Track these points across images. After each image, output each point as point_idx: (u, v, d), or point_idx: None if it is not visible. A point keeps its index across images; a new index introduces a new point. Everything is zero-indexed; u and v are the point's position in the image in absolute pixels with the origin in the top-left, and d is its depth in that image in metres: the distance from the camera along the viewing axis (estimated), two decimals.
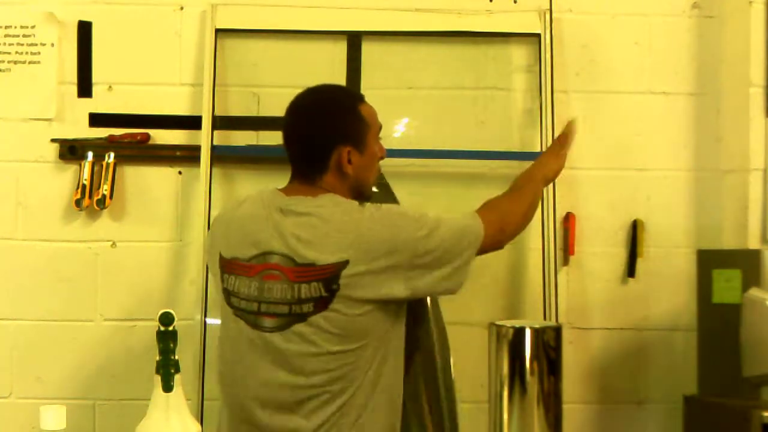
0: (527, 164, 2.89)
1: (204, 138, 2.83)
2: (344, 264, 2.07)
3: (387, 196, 2.51)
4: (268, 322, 2.10)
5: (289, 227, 2.11)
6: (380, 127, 2.28)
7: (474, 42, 2.94)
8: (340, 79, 2.90)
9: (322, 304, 2.07)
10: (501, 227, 2.28)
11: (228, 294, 2.17)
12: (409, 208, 2.23)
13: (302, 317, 2.08)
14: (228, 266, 2.18)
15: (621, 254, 2.98)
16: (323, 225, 2.11)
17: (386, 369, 2.17)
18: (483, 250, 2.24)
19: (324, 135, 2.18)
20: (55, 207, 2.89)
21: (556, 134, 2.87)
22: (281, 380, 2.10)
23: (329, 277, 2.07)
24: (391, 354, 2.18)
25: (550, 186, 2.84)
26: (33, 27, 2.89)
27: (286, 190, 2.20)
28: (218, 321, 2.70)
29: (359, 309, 2.09)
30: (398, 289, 2.12)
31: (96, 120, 2.91)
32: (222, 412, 2.24)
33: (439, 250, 2.14)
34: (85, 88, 2.92)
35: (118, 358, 2.89)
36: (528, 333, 2.19)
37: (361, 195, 2.22)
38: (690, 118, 3.00)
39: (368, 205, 2.18)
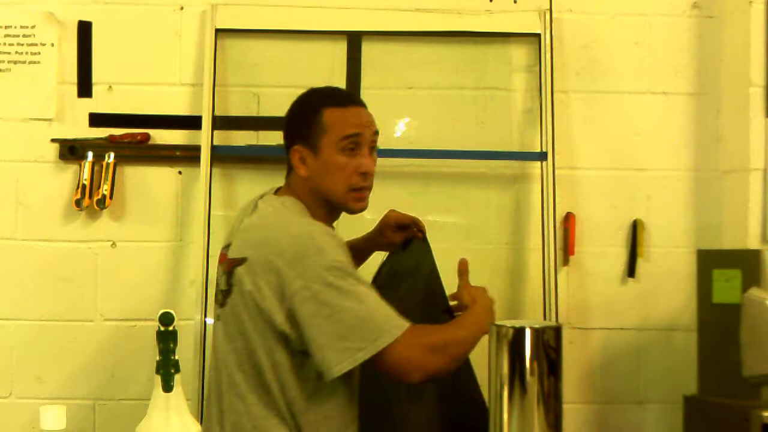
0: (527, 164, 2.91)
1: (204, 138, 2.83)
2: (241, 261, 2.03)
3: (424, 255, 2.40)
4: (217, 310, 2.14)
5: (245, 220, 2.14)
6: (349, 136, 2.10)
7: (474, 42, 2.95)
8: (340, 79, 2.90)
9: (224, 296, 2.07)
10: (423, 360, 1.98)
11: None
12: (334, 250, 2.00)
13: (222, 306, 2.10)
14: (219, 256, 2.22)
15: (621, 254, 2.98)
16: (252, 221, 2.11)
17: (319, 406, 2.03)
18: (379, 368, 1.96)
19: (285, 133, 2.17)
20: (55, 207, 2.90)
21: (557, 134, 2.88)
22: (219, 369, 2.10)
23: (230, 272, 2.05)
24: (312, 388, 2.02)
25: (550, 186, 2.85)
26: (33, 27, 2.89)
27: (278, 189, 2.22)
28: None
29: (248, 313, 2.00)
30: (279, 316, 1.98)
31: (96, 120, 2.91)
32: None
33: (327, 301, 1.93)
34: (85, 88, 2.92)
35: (118, 358, 2.89)
36: (528, 333, 2.18)
37: (330, 205, 2.13)
38: (690, 118, 3.00)
39: (302, 218, 2.06)
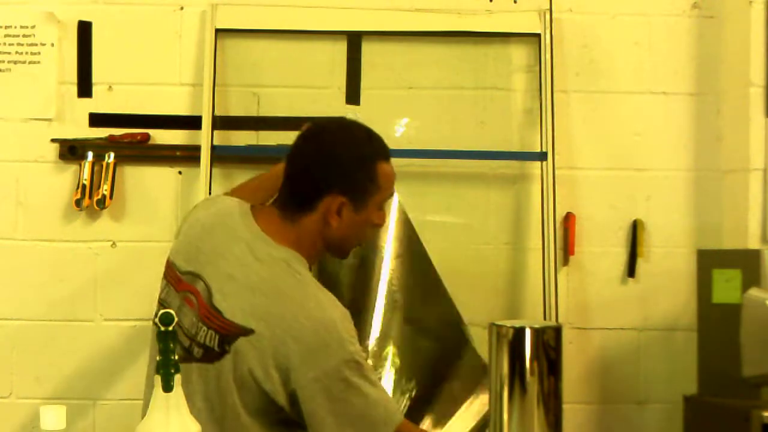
0: (527, 164, 2.91)
1: (204, 138, 2.83)
2: (246, 332, 1.84)
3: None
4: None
5: (231, 263, 1.91)
6: (391, 195, 2.06)
7: (474, 42, 2.94)
8: (340, 79, 2.90)
9: (208, 357, 1.87)
10: None
11: (159, 299, 2.00)
12: (352, 341, 1.89)
13: (191, 358, 1.88)
14: (167, 268, 2.02)
15: (621, 254, 2.98)
16: (258, 281, 1.88)
17: None
18: None
19: (325, 174, 1.93)
20: (55, 207, 2.89)
21: (557, 134, 2.88)
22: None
23: (226, 335, 1.85)
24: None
25: (550, 186, 2.85)
26: (33, 27, 2.89)
27: (260, 216, 1.98)
28: None
29: (241, 388, 1.86)
30: (281, 397, 1.87)
31: (96, 120, 2.91)
32: None
33: (340, 401, 1.85)
34: (85, 88, 2.91)
35: (118, 358, 2.89)
36: (528, 333, 2.18)
37: (334, 252, 2.03)
38: (690, 118, 3.00)
39: (318, 293, 1.91)
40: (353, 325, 1.92)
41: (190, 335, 1.89)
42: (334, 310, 1.89)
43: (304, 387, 1.83)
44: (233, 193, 2.24)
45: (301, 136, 2.03)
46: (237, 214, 1.99)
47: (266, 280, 1.88)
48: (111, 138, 2.89)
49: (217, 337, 1.86)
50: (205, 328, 1.88)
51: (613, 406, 2.99)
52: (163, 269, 2.67)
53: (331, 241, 1.97)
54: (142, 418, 1.66)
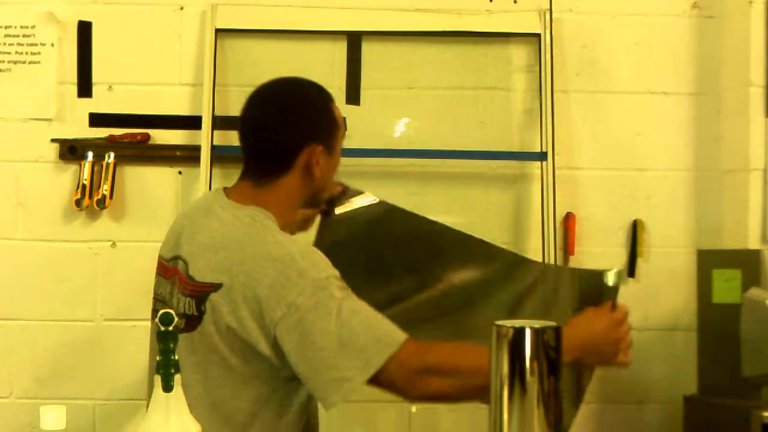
0: (527, 164, 2.91)
1: (204, 138, 2.83)
2: (215, 287, 1.84)
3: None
4: None
5: (202, 233, 1.92)
6: (344, 132, 2.08)
7: (474, 42, 2.95)
8: (340, 79, 2.90)
9: (191, 324, 1.86)
10: (419, 380, 1.81)
11: (154, 295, 2.04)
12: (320, 264, 1.86)
13: (180, 331, 1.82)
14: (158, 265, 2.05)
15: (621, 254, 2.98)
16: (222, 238, 1.88)
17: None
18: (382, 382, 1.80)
19: (296, 131, 1.95)
20: (55, 207, 2.89)
21: (557, 134, 2.88)
22: None
23: (200, 296, 1.85)
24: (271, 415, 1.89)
25: (550, 186, 2.85)
26: (33, 27, 2.89)
27: (230, 192, 2.00)
28: None
29: (224, 342, 1.84)
30: (262, 344, 1.83)
31: (96, 120, 2.91)
32: None
33: (311, 326, 1.78)
34: (85, 88, 2.92)
35: (118, 358, 2.89)
36: (528, 333, 2.18)
37: (315, 200, 2.04)
38: (690, 118, 3.00)
39: (282, 237, 1.89)
40: (324, 259, 1.86)
41: (179, 314, 1.87)
42: (292, 246, 1.85)
43: (277, 325, 1.79)
44: None
45: (250, 106, 2.03)
46: (210, 195, 2.06)
47: (228, 236, 1.88)
48: (111, 138, 2.89)
49: (193, 301, 1.87)
50: (184, 298, 1.89)
51: (613, 406, 2.98)
52: None
53: (316, 190, 1.99)
54: None
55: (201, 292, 1.86)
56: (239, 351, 1.84)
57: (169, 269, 1.97)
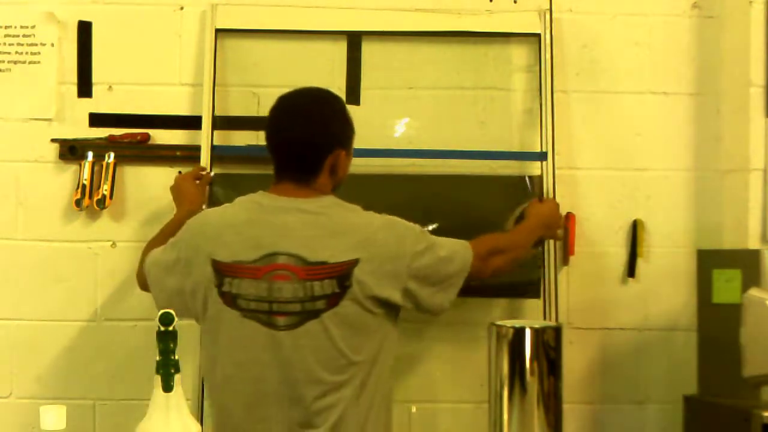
0: (527, 164, 2.91)
1: (204, 138, 2.83)
2: (355, 262, 2.15)
3: None
4: (281, 320, 2.15)
5: (298, 227, 2.17)
6: None
7: (474, 42, 2.94)
8: (340, 79, 2.90)
9: (333, 300, 2.14)
10: (487, 263, 2.40)
11: (232, 297, 2.18)
12: (409, 222, 2.31)
13: (315, 314, 2.15)
14: (229, 269, 2.19)
15: (621, 254, 2.98)
16: (333, 225, 2.19)
17: (386, 372, 2.26)
18: (466, 280, 2.34)
19: (325, 138, 2.25)
20: (55, 207, 2.89)
21: (557, 134, 2.88)
22: (295, 377, 2.14)
23: (341, 275, 2.15)
24: (389, 357, 2.27)
25: (550, 186, 2.85)
26: (33, 27, 2.89)
27: (280, 191, 2.25)
28: None
29: (366, 306, 2.18)
30: (396, 295, 2.22)
31: (96, 120, 2.91)
32: (222, 412, 2.24)
33: (431, 268, 2.25)
34: (85, 88, 2.92)
35: (118, 358, 2.89)
36: (528, 333, 2.18)
37: (334, 192, 2.32)
38: (690, 118, 3.00)
39: (367, 211, 2.27)
40: None
41: (298, 299, 2.14)
42: (381, 215, 2.28)
43: (409, 277, 2.22)
44: (151, 244, 2.49)
45: (280, 118, 2.31)
46: (261, 198, 2.27)
47: (337, 222, 2.21)
48: (111, 138, 2.89)
49: (333, 280, 2.15)
50: (318, 282, 2.15)
51: (613, 406, 2.98)
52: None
53: (336, 186, 2.30)
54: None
55: (342, 270, 2.15)
56: (378, 310, 2.20)
57: (261, 269, 2.16)
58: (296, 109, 2.30)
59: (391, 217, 2.28)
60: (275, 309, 2.15)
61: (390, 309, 2.25)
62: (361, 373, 2.19)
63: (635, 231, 2.97)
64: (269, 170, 2.78)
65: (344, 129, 2.31)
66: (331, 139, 2.26)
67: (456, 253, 2.32)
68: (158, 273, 2.34)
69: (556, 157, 2.87)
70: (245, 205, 2.28)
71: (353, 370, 2.18)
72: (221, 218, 2.28)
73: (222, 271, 2.20)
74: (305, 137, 2.25)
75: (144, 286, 2.45)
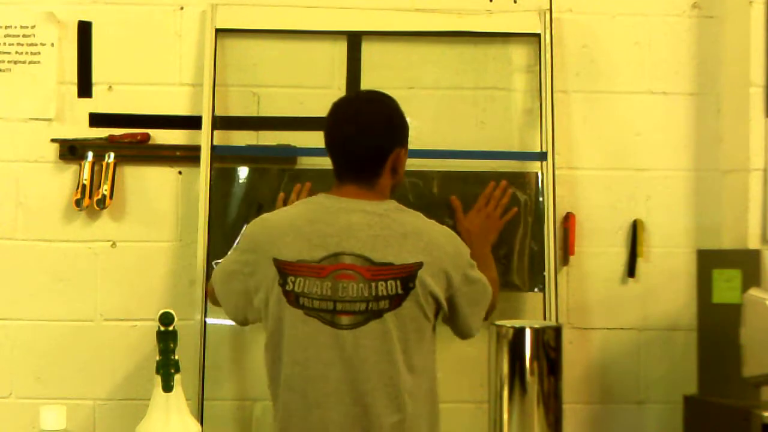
0: (527, 164, 2.91)
1: (204, 138, 2.83)
2: (420, 265, 2.21)
3: None
4: (345, 319, 2.18)
5: (364, 228, 2.22)
6: None
7: (474, 42, 2.94)
8: (340, 79, 2.90)
9: (397, 301, 2.20)
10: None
11: (295, 296, 2.21)
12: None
13: (378, 314, 2.19)
14: (292, 269, 2.22)
15: (621, 254, 2.98)
16: (398, 227, 2.24)
17: (435, 380, 2.36)
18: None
19: (386, 140, 2.30)
20: (55, 207, 2.89)
21: (557, 134, 2.88)
22: (357, 377, 2.18)
23: (407, 276, 2.20)
24: (435, 367, 2.37)
25: (550, 186, 2.85)
26: (33, 27, 2.89)
27: (343, 193, 2.29)
28: (218, 321, 2.72)
29: (425, 310, 2.24)
30: (442, 297, 2.29)
31: (96, 120, 2.91)
32: (283, 412, 2.25)
33: (473, 287, 2.35)
34: (85, 88, 2.92)
35: (118, 358, 2.89)
36: (528, 333, 2.18)
37: (393, 192, 2.38)
38: (690, 118, 3.00)
39: (427, 218, 2.35)
40: None
41: (363, 298, 2.19)
42: (440, 225, 2.37)
43: (457, 288, 2.30)
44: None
45: (340, 118, 2.35)
46: (326, 201, 2.30)
47: (402, 224, 2.26)
48: (111, 138, 2.89)
49: (398, 281, 2.20)
50: (382, 282, 2.20)
51: (613, 406, 2.98)
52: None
53: (397, 184, 2.37)
54: None
55: (407, 272, 2.21)
56: (432, 314, 2.27)
57: (326, 268, 2.20)
58: (356, 112, 2.34)
59: (451, 230, 2.38)
60: (339, 308, 2.18)
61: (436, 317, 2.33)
62: (418, 378, 2.24)
63: (635, 231, 2.97)
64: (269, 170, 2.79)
65: (402, 127, 2.36)
66: (391, 140, 2.31)
67: (488, 286, 2.42)
68: (223, 279, 2.38)
69: (556, 156, 2.87)
70: (308, 206, 2.31)
71: (412, 374, 2.23)
72: (283, 220, 2.30)
73: (285, 270, 2.22)
74: (368, 140, 2.29)
75: (214, 299, 2.49)
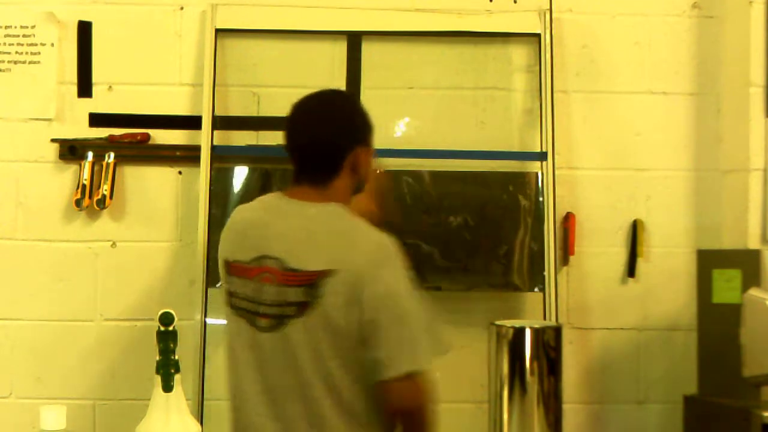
0: (527, 164, 2.91)
1: (204, 138, 2.83)
2: (326, 273, 2.07)
3: None
4: (263, 322, 2.13)
5: (294, 231, 2.14)
6: None
7: (474, 42, 2.95)
8: (340, 79, 2.90)
9: (302, 309, 2.08)
10: (421, 393, 2.11)
11: (230, 295, 2.20)
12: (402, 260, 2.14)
13: (287, 320, 2.10)
14: (231, 268, 2.20)
15: (621, 254, 2.98)
16: (323, 233, 2.13)
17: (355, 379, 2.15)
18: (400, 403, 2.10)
19: (344, 137, 2.20)
20: (55, 207, 2.89)
21: (557, 134, 2.88)
22: (270, 381, 2.12)
23: (310, 284, 2.08)
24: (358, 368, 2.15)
25: (550, 186, 2.85)
26: (33, 27, 2.89)
27: (293, 194, 2.21)
28: (218, 321, 2.72)
29: (338, 318, 2.07)
30: (353, 311, 2.08)
31: (96, 120, 2.91)
32: (230, 411, 2.25)
33: (395, 308, 2.07)
34: (85, 88, 2.92)
35: (118, 358, 2.89)
36: (528, 333, 2.19)
37: (357, 190, 2.27)
38: (690, 118, 3.00)
39: (369, 227, 2.17)
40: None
41: (276, 302, 2.10)
42: (380, 234, 2.14)
43: (376, 301, 2.05)
44: None
45: (297, 120, 2.24)
46: (274, 200, 2.25)
47: (324, 229, 2.13)
48: (111, 138, 2.89)
49: (302, 289, 2.08)
50: (292, 288, 2.09)
51: (613, 406, 2.99)
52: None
53: (360, 184, 2.25)
54: None
55: (312, 279, 2.07)
56: (349, 320, 2.06)
57: (253, 270, 2.14)
58: (310, 111, 2.25)
59: (390, 240, 2.13)
60: (261, 311, 2.13)
61: (358, 338, 2.10)
62: (328, 383, 2.11)
63: (635, 231, 2.97)
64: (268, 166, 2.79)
65: (363, 126, 2.25)
66: (347, 138, 2.21)
67: (419, 319, 2.10)
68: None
69: (556, 156, 2.87)
70: (261, 205, 2.28)
71: (318, 379, 2.10)
72: (239, 216, 2.29)
73: (228, 269, 2.22)
74: (321, 139, 2.20)
75: None
